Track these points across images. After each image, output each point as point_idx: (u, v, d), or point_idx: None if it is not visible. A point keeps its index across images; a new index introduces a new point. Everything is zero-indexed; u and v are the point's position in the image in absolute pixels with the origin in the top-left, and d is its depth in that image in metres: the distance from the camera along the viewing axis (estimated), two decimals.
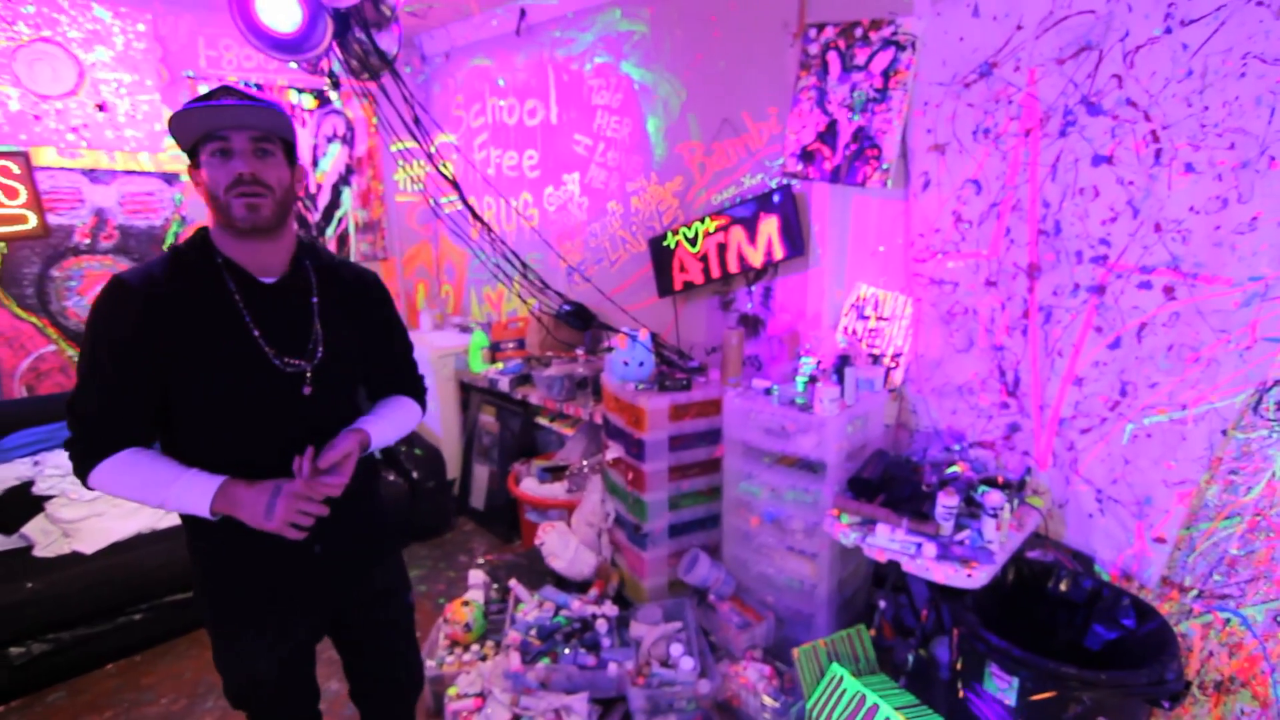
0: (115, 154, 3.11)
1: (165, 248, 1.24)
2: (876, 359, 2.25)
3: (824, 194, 2.35)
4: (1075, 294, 1.81)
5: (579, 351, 3.12)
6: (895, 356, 2.24)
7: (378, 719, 1.60)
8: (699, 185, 2.71)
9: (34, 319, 2.99)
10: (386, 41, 2.13)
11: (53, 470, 2.66)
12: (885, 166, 2.12)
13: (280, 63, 3.28)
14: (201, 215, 3.41)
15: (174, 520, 2.79)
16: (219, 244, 1.20)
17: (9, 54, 2.81)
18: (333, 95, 3.16)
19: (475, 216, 2.99)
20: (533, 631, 2.11)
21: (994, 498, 1.71)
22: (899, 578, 2.06)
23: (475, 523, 3.51)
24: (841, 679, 1.74)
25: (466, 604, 2.30)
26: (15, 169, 2.68)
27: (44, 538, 2.58)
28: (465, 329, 3.81)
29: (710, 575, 2.24)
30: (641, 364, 2.34)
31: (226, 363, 1.16)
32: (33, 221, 2.72)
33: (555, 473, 2.98)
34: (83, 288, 3.10)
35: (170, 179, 3.28)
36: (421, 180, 3.56)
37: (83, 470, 1.15)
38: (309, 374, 1.23)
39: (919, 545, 1.72)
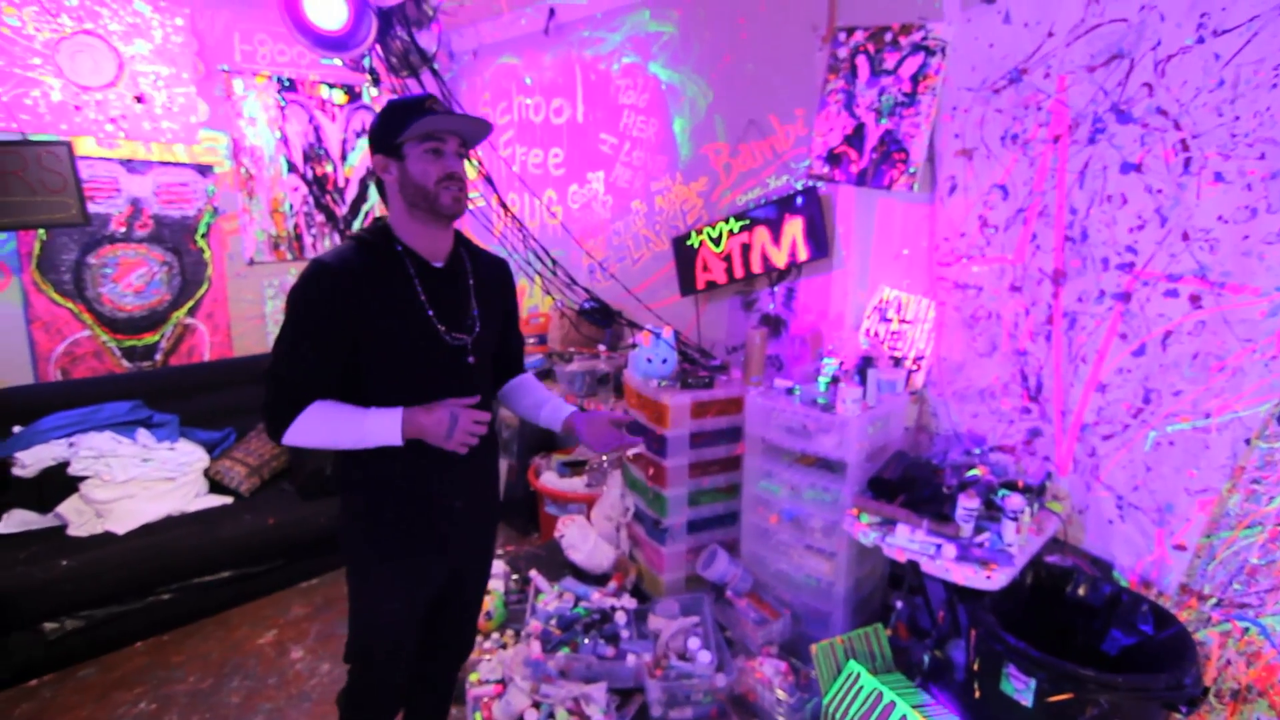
0: (152, 145, 3.18)
1: (348, 237, 1.40)
2: (898, 361, 2.27)
3: (849, 197, 2.37)
4: (1100, 300, 1.82)
5: (601, 348, 3.15)
6: (917, 359, 2.26)
7: (428, 675, 1.70)
8: (724, 185, 2.74)
9: (70, 304, 3.07)
10: (426, 40, 2.18)
11: (87, 452, 2.73)
12: (912, 170, 2.14)
13: (314, 58, 3.35)
14: (232, 206, 3.49)
15: (203, 503, 2.86)
16: (399, 232, 1.38)
17: (52, 46, 2.89)
18: (373, 91, 3.21)
19: (510, 215, 3.04)
20: (553, 621, 2.15)
21: (1014, 501, 1.73)
22: (916, 579, 2.08)
23: None
24: (859, 676, 1.76)
25: (487, 593, 2.34)
26: (58, 157, 2.75)
27: (78, 517, 2.65)
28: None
29: (728, 571, 2.26)
30: (665, 361, 2.37)
31: (407, 335, 1.34)
32: (74, 209, 2.80)
33: (575, 467, 3.02)
34: (117, 275, 3.18)
35: (204, 170, 3.35)
36: None
37: (278, 428, 1.30)
38: (469, 346, 1.42)
39: (939, 546, 1.74)
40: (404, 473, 1.40)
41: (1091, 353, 1.86)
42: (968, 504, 1.76)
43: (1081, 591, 1.80)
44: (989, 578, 1.65)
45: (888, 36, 2.18)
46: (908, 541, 1.79)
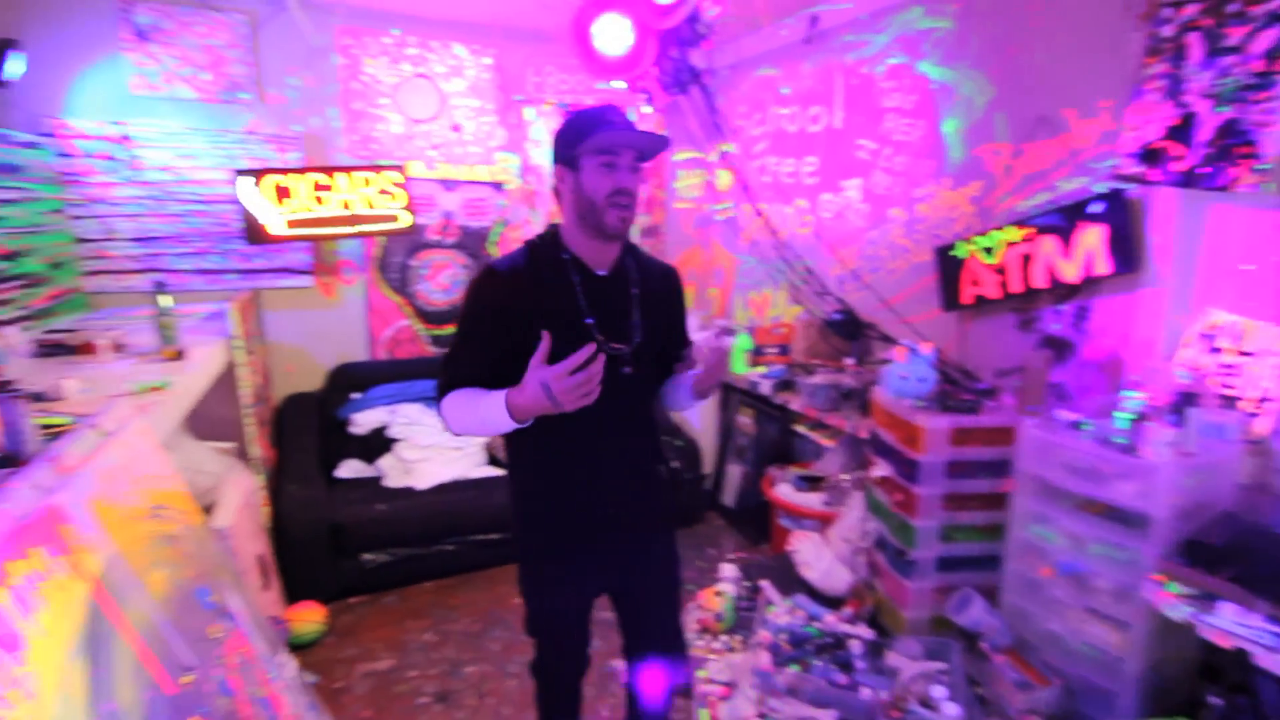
0: (460, 167, 3.77)
1: (524, 242, 1.48)
2: (1232, 402, 1.85)
3: (1170, 200, 1.99)
4: None
5: (847, 361, 3.03)
6: (1261, 401, 1.82)
7: (638, 677, 1.74)
8: (1002, 190, 2.47)
9: (396, 297, 3.76)
10: (697, 57, 2.28)
11: (402, 419, 3.32)
12: (1262, 168, 1.73)
13: (591, 83, 3.69)
14: (517, 218, 3.99)
15: (482, 472, 3.32)
16: (567, 240, 1.41)
17: (394, 88, 3.56)
18: (646, 110, 3.47)
19: (766, 224, 3.06)
20: (784, 636, 2.11)
21: None
22: (1243, 673, 1.68)
23: (724, 519, 3.62)
24: None
25: (719, 594, 2.38)
26: (397, 178, 3.39)
27: (392, 471, 3.24)
28: (728, 331, 3.93)
29: (984, 620, 2.04)
30: (921, 380, 2.20)
31: (565, 341, 1.28)
32: (406, 220, 3.42)
33: (813, 482, 2.94)
34: (430, 275, 3.82)
35: (498, 187, 3.89)
36: (701, 189, 3.74)
37: (440, 414, 1.40)
38: (627, 356, 1.41)
39: None
40: (555, 478, 1.43)
41: None
42: None
43: None
44: None
45: (1232, 7, 1.79)
46: (1235, 624, 1.45)
